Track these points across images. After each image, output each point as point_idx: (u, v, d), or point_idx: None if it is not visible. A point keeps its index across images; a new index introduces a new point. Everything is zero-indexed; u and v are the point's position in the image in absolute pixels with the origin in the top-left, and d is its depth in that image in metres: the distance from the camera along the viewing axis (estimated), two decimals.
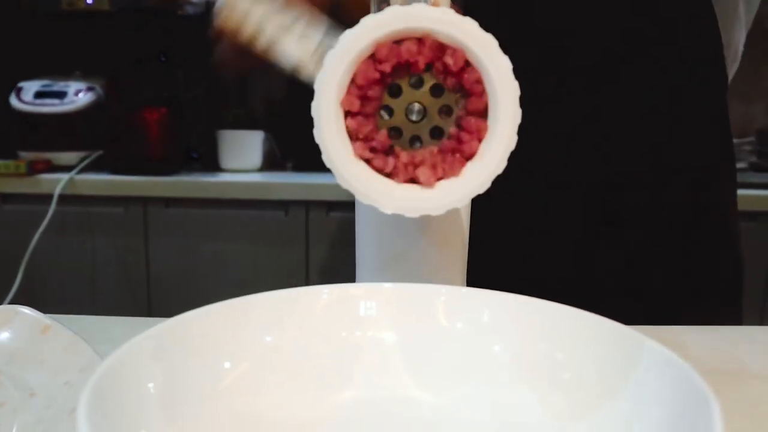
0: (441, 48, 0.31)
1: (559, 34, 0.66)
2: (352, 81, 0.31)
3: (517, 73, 0.31)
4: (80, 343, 0.43)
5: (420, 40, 0.31)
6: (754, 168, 1.77)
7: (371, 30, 0.30)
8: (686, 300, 0.71)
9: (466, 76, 0.31)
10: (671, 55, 0.67)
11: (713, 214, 0.73)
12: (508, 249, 0.70)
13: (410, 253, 0.38)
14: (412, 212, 0.33)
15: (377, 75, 0.31)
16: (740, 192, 1.66)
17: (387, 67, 0.31)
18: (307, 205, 1.59)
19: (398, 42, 0.31)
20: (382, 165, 0.32)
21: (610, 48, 0.66)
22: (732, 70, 0.75)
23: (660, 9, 0.66)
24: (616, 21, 0.66)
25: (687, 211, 0.71)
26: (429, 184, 0.32)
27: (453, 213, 0.36)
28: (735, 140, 1.95)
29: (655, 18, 0.66)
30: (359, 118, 0.32)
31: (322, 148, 0.33)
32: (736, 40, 0.75)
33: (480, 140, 0.31)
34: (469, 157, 0.32)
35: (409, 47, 0.31)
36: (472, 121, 0.31)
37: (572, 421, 0.31)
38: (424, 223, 0.33)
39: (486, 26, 0.31)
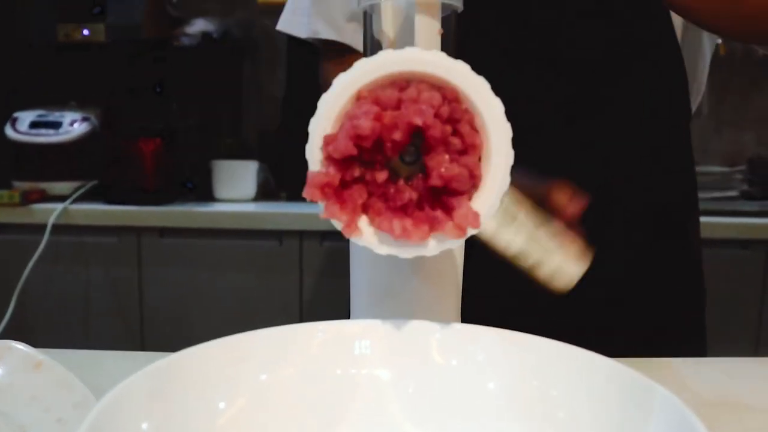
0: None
1: (548, 49, 0.68)
2: (331, 162, 0.31)
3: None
4: (73, 379, 0.43)
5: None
6: (745, 196, 1.78)
7: (365, 73, 0.31)
8: (655, 331, 0.73)
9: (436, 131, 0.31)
10: (644, 79, 0.69)
11: (680, 245, 0.75)
12: (497, 278, 0.70)
13: (404, 291, 0.39)
14: (406, 253, 0.33)
15: (354, 151, 0.31)
16: (731, 220, 1.68)
17: (368, 143, 0.31)
18: (301, 234, 1.59)
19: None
20: (389, 228, 0.32)
21: (593, 63, 0.68)
22: (695, 103, 0.78)
23: (632, 31, 0.69)
24: (598, 36, 0.69)
25: (654, 245, 0.72)
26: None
27: (447, 252, 0.36)
28: (725, 169, 1.96)
29: (629, 39, 0.69)
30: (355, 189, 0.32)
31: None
32: (700, 73, 0.78)
33: (479, 157, 0.31)
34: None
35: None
36: (468, 129, 0.31)
37: None
38: (418, 262, 0.33)
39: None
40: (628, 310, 0.72)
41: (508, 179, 0.31)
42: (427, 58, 0.30)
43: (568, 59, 0.68)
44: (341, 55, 0.86)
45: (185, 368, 0.32)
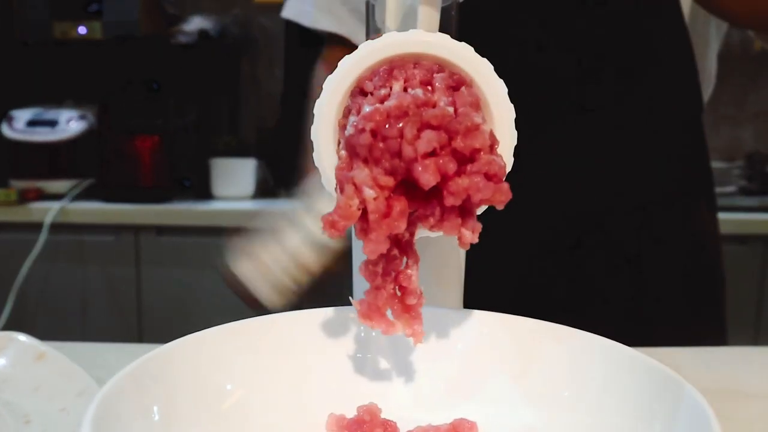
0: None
1: (535, 59, 0.67)
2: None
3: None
4: (76, 369, 0.43)
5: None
6: (743, 192, 1.79)
7: (369, 54, 0.31)
8: (670, 319, 0.72)
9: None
10: (649, 79, 0.69)
11: (695, 238, 0.74)
12: (500, 270, 0.70)
13: None
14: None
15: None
16: (730, 215, 1.69)
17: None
18: None
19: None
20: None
21: (589, 71, 0.67)
22: (707, 94, 0.78)
23: (638, 33, 0.68)
24: (592, 45, 0.68)
25: (669, 236, 0.72)
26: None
27: (450, 238, 0.36)
28: (723, 165, 1.96)
29: (632, 42, 0.68)
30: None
31: (321, 171, 0.33)
32: (710, 64, 0.78)
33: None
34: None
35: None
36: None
37: None
38: (421, 245, 0.33)
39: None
40: (641, 304, 0.72)
41: (511, 161, 0.31)
42: (430, 39, 0.30)
43: (571, 50, 0.67)
44: (342, 50, 0.84)
45: (189, 352, 0.32)
